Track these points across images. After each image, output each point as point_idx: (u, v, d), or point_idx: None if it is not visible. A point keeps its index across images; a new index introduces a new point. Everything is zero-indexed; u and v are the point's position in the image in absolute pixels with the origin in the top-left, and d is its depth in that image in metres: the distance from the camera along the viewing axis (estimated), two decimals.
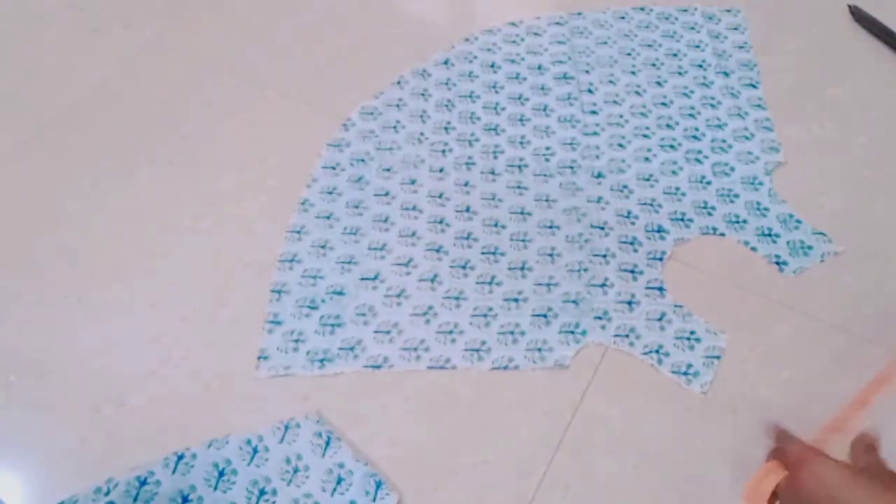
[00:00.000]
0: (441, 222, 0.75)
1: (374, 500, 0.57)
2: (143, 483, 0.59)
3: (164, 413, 0.63)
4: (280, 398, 0.64)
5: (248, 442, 0.60)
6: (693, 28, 0.93)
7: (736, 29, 0.93)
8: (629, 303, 0.69)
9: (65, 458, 0.61)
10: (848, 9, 0.93)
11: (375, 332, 0.67)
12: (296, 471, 0.59)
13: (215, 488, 0.58)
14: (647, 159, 0.80)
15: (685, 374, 0.64)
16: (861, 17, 0.92)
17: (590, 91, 0.86)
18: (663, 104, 0.85)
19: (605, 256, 0.72)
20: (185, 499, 0.58)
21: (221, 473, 0.59)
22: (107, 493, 0.58)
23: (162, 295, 0.70)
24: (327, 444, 0.60)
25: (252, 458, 0.60)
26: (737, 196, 0.76)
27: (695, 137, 0.81)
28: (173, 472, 0.59)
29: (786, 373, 0.64)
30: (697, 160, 0.79)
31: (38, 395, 0.65)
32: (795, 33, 0.92)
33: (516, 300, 0.69)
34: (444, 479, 0.59)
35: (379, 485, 0.58)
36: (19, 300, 0.70)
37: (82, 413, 0.63)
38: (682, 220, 0.74)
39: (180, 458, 0.60)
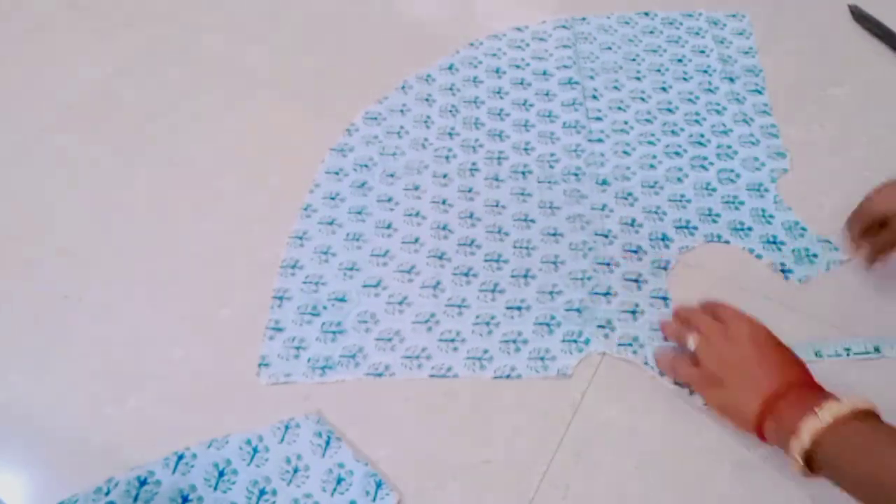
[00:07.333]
0: (444, 228, 0.78)
1: (374, 500, 0.60)
2: (143, 483, 0.62)
3: (164, 413, 0.66)
4: (280, 398, 0.67)
5: (248, 442, 0.64)
6: (698, 33, 0.97)
7: (741, 34, 0.96)
8: (633, 312, 0.71)
9: (65, 458, 0.64)
10: (848, 9, 0.97)
11: (377, 339, 0.70)
12: (296, 471, 0.62)
13: (215, 488, 0.62)
14: (652, 166, 0.83)
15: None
16: (861, 17, 0.95)
17: (594, 97, 0.90)
18: (668, 110, 0.88)
19: (608, 265, 0.75)
20: (185, 499, 0.61)
21: (221, 473, 0.62)
22: (107, 493, 0.61)
23: (162, 295, 0.74)
24: (327, 444, 0.63)
25: (252, 458, 0.63)
26: (742, 203, 0.79)
27: (700, 143, 0.85)
28: (173, 472, 0.62)
29: None
30: (703, 167, 0.83)
31: (39, 395, 0.68)
32: (795, 33, 0.96)
33: (519, 308, 0.72)
34: (444, 479, 0.62)
35: (379, 485, 0.61)
36: (19, 300, 0.74)
37: (82, 413, 0.67)
38: (686, 227, 0.77)
39: (180, 458, 0.63)
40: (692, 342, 0.64)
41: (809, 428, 0.53)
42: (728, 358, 0.62)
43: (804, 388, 0.58)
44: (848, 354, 0.67)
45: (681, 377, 0.65)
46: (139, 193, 0.82)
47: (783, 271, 0.74)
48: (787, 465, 0.56)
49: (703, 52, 0.94)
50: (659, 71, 0.93)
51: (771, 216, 0.78)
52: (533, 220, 0.79)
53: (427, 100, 0.90)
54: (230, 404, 0.67)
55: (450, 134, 0.87)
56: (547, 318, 0.71)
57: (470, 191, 0.81)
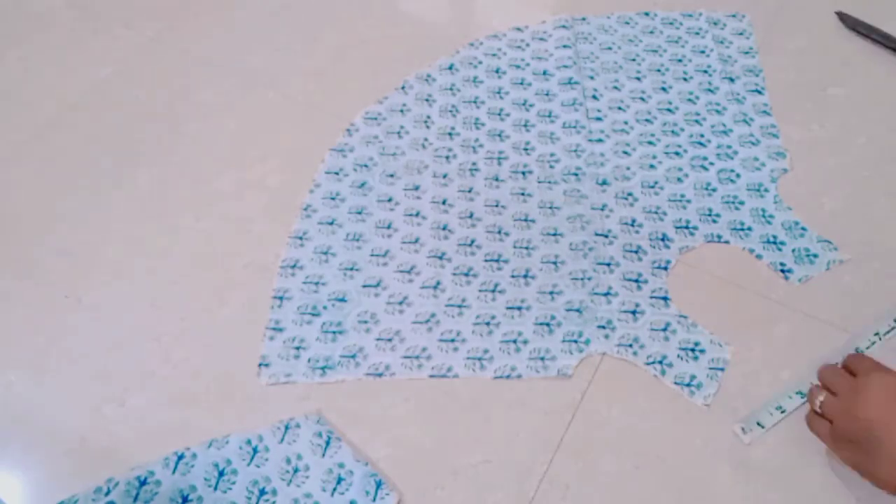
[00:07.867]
0: (444, 228, 0.79)
1: (374, 500, 0.61)
2: (143, 483, 0.62)
3: (164, 413, 0.67)
4: (280, 398, 0.67)
5: (248, 442, 0.64)
6: (698, 33, 0.97)
7: (741, 34, 0.97)
8: (633, 312, 0.72)
9: (65, 458, 0.65)
10: (837, 16, 0.97)
11: (377, 339, 0.71)
12: (296, 471, 0.63)
13: (215, 488, 0.62)
14: (652, 166, 0.83)
15: (688, 385, 0.67)
16: (852, 24, 0.95)
17: (594, 97, 0.90)
18: (668, 110, 0.89)
19: (609, 265, 0.75)
20: (185, 499, 0.62)
21: (221, 473, 0.63)
22: (107, 493, 0.62)
23: (162, 295, 0.74)
24: (327, 444, 0.64)
25: (252, 458, 0.63)
26: (742, 203, 0.80)
27: (700, 144, 0.85)
28: (173, 472, 0.63)
29: (786, 372, 0.68)
30: (703, 167, 0.83)
31: (38, 395, 0.68)
32: (795, 33, 0.97)
33: (519, 308, 0.72)
34: (444, 479, 0.63)
35: (379, 485, 0.61)
36: (19, 300, 0.74)
37: (82, 413, 0.67)
38: (686, 227, 0.78)
39: (180, 458, 0.63)
40: (818, 401, 0.61)
41: None
42: (857, 415, 0.56)
43: None
44: (880, 339, 0.68)
45: (818, 434, 0.61)
46: (139, 193, 0.83)
47: (783, 271, 0.74)
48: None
49: (703, 52, 0.95)
50: (659, 71, 0.93)
51: (771, 216, 0.78)
52: (533, 220, 0.79)
53: (427, 100, 0.91)
54: (230, 404, 0.67)
55: (450, 134, 0.87)
56: (547, 319, 0.72)
57: (470, 191, 0.82)
